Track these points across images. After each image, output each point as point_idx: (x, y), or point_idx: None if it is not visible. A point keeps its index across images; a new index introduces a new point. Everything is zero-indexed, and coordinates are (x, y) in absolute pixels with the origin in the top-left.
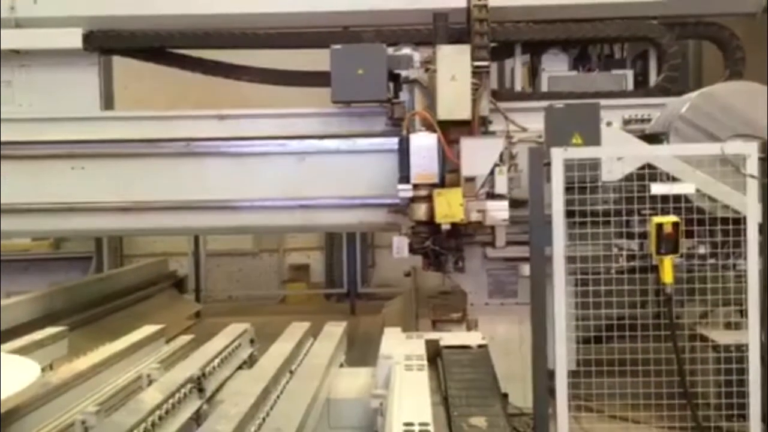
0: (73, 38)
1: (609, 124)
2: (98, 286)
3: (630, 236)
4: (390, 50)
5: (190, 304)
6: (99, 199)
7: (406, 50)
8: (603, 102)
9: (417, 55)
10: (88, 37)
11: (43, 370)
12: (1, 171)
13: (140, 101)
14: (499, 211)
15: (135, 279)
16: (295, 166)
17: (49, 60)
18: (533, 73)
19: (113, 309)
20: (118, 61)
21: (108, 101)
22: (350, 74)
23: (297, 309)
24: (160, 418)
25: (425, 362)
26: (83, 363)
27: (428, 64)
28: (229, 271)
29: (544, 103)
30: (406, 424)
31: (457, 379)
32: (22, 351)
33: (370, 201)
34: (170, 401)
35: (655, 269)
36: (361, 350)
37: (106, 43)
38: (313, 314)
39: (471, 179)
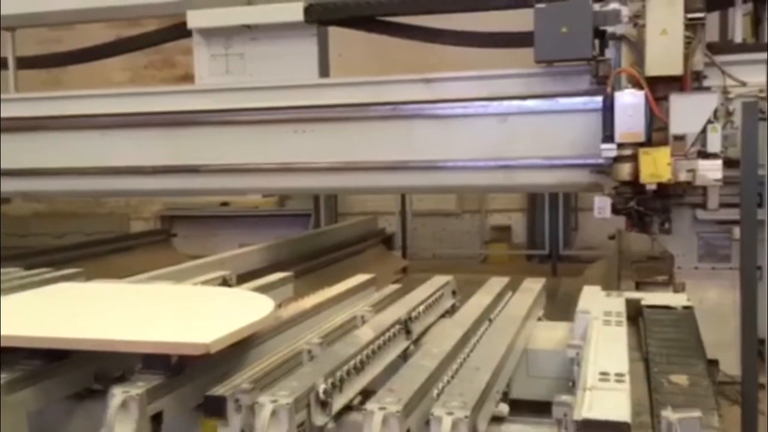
0: (295, 12)
1: None
2: (316, 240)
3: None
4: (596, 6)
5: (397, 260)
6: (317, 159)
7: (613, 5)
8: None
9: (625, 10)
10: (308, 10)
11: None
12: (236, 135)
13: (353, 68)
14: (710, 170)
15: (348, 234)
16: (496, 126)
17: (275, 33)
18: (756, 22)
19: (329, 261)
20: (332, 30)
21: (324, 69)
22: (554, 33)
23: (498, 269)
24: (373, 352)
25: (624, 319)
26: (307, 303)
27: (637, 18)
28: (433, 230)
29: None
30: (602, 374)
31: (659, 338)
32: (256, 291)
33: (572, 161)
34: (381, 338)
35: None
36: (561, 309)
37: (324, 14)
38: (515, 274)
39: (680, 137)
